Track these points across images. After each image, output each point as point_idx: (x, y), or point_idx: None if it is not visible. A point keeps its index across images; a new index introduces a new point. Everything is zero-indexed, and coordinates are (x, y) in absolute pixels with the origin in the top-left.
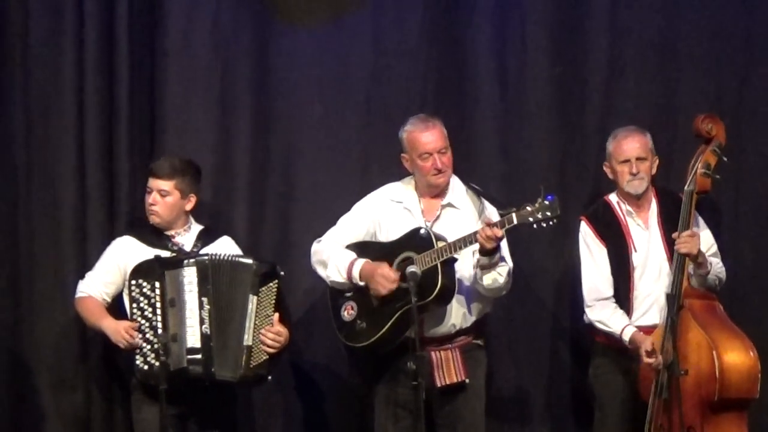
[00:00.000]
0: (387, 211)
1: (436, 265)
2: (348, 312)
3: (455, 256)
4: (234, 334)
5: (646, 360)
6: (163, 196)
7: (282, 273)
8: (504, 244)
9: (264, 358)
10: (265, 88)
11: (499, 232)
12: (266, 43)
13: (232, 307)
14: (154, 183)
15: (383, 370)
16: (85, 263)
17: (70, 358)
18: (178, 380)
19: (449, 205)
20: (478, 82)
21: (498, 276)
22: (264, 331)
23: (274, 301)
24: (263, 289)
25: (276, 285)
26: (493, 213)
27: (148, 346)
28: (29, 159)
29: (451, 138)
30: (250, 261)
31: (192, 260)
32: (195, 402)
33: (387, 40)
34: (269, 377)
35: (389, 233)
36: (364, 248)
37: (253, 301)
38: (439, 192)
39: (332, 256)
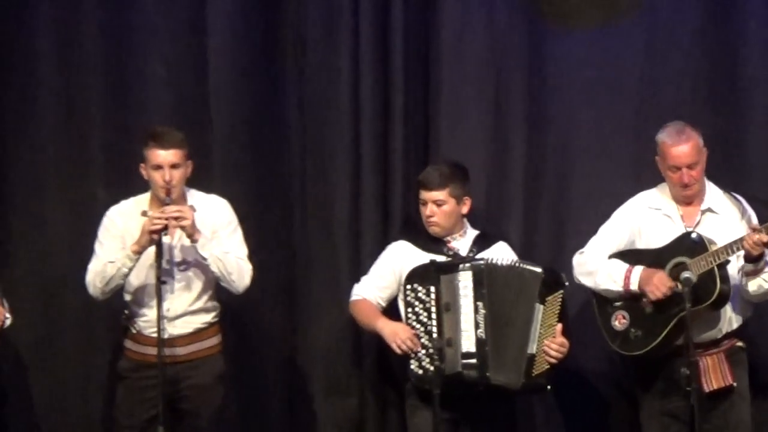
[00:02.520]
0: (646, 218)
1: (712, 269)
2: (620, 321)
3: (729, 259)
4: (515, 341)
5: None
6: (440, 206)
7: (567, 283)
8: None
9: (545, 367)
10: (538, 92)
11: (765, 238)
12: (539, 46)
13: (513, 313)
14: (428, 195)
15: (652, 378)
16: (359, 268)
17: (345, 362)
18: (452, 385)
19: (709, 210)
20: (751, 84)
21: (763, 282)
22: (548, 342)
23: (558, 311)
24: (549, 298)
25: (561, 295)
26: (754, 217)
27: (423, 351)
28: (304, 165)
29: (721, 140)
30: (539, 269)
31: (467, 264)
32: (469, 407)
33: (659, 41)
34: (548, 387)
35: (649, 241)
36: (631, 256)
37: (539, 309)
38: (694, 198)
39: (603, 266)
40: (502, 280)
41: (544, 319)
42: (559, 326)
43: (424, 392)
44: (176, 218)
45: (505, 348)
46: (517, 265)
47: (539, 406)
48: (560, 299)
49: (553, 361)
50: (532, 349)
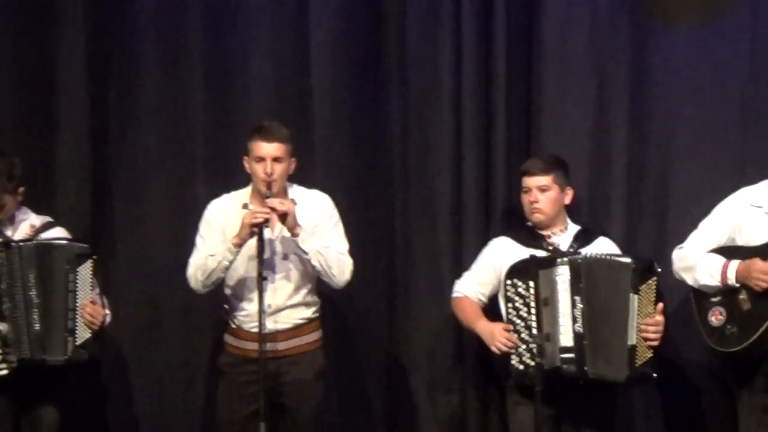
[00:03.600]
0: (747, 215)
1: None
2: (716, 317)
3: None
4: (613, 334)
5: None
6: (543, 191)
7: (659, 270)
8: None
9: (649, 356)
10: (641, 89)
11: None
12: (643, 43)
13: (609, 306)
14: (532, 181)
15: (751, 374)
16: (460, 264)
17: (446, 359)
18: (552, 380)
19: None
20: None
21: None
22: (644, 325)
23: (653, 299)
24: (642, 287)
25: (654, 282)
26: None
27: (524, 347)
28: (406, 161)
29: None
30: (628, 260)
31: (565, 259)
32: (570, 402)
33: (764, 40)
34: (654, 375)
35: (749, 238)
36: (730, 253)
37: (634, 299)
38: None
39: (701, 261)
40: (598, 273)
41: (640, 308)
42: (660, 305)
43: (526, 388)
44: (277, 211)
45: (603, 341)
46: (607, 257)
47: (639, 400)
48: (654, 287)
49: (652, 343)
50: (632, 339)
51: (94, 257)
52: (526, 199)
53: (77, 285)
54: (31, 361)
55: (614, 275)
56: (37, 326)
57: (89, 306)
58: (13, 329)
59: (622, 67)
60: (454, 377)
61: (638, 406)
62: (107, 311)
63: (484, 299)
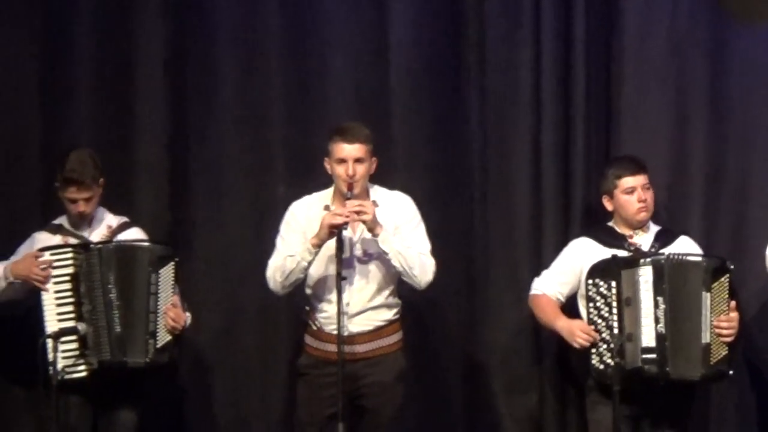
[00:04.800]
0: None
1: None
2: None
3: None
4: (690, 333)
5: None
6: (647, 189)
7: (732, 267)
8: None
9: (723, 353)
10: (720, 90)
11: None
12: (723, 44)
13: (688, 305)
14: (635, 180)
15: None
16: (540, 262)
17: (524, 358)
18: (632, 380)
19: None
20: None
21: None
22: (717, 321)
23: (726, 297)
24: (715, 285)
25: (727, 280)
26: None
27: (604, 346)
28: (485, 161)
29: None
30: (699, 258)
31: (648, 259)
32: (649, 402)
33: None
34: (730, 372)
35: None
36: None
37: (707, 297)
38: None
39: None
40: (679, 273)
41: (713, 307)
42: (733, 303)
43: (605, 388)
44: (357, 213)
45: (682, 342)
46: (682, 257)
47: (722, 401)
48: (727, 285)
49: (726, 339)
50: (706, 338)
51: (176, 259)
52: (630, 199)
53: (159, 287)
54: (111, 363)
55: (689, 274)
56: (117, 328)
57: (172, 310)
58: (93, 331)
59: (701, 67)
60: (532, 377)
61: (716, 406)
62: (188, 314)
63: (563, 298)
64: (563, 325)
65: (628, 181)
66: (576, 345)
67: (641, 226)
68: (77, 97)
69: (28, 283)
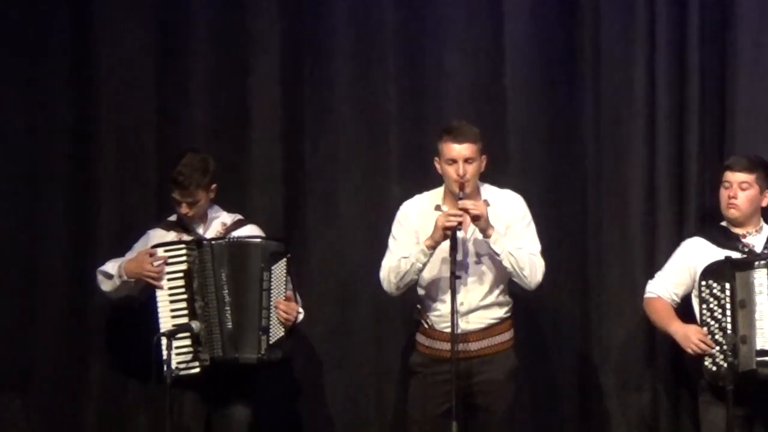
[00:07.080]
0: None
1: None
2: None
3: None
4: None
5: None
6: (744, 189)
7: None
8: None
9: None
10: None
11: None
12: None
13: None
14: (734, 176)
15: None
16: (653, 263)
17: (638, 358)
18: (746, 382)
19: None
20: None
21: None
22: None
23: None
24: None
25: None
26: None
27: (718, 348)
28: (599, 162)
29: None
30: None
31: (762, 262)
32: (763, 403)
33: None
34: None
35: None
36: None
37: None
38: None
39: None
40: None
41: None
42: None
43: (718, 389)
44: (470, 213)
45: None
46: None
47: None
48: None
49: None
50: None
51: (289, 255)
52: (724, 193)
53: (272, 283)
54: (223, 360)
55: None
56: (229, 325)
57: (283, 303)
58: (206, 327)
59: None
60: (645, 377)
61: None
62: (300, 309)
63: (677, 299)
64: (678, 329)
65: (726, 176)
66: (689, 351)
67: (736, 225)
68: (193, 94)
69: (141, 280)
